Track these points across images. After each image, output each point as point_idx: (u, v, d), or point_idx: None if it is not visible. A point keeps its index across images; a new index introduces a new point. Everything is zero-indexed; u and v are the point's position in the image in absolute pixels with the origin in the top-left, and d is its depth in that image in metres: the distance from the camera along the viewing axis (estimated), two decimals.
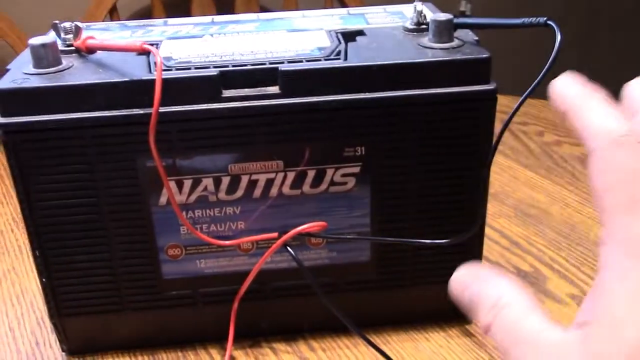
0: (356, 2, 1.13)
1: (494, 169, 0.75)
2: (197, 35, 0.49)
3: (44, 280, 0.47)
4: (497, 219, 0.66)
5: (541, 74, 0.41)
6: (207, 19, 0.54)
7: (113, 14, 1.04)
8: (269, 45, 0.46)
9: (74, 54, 0.46)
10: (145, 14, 1.20)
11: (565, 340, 0.24)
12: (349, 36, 0.48)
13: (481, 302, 0.27)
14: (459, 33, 0.47)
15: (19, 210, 0.45)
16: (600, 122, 0.26)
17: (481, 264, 0.27)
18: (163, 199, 0.45)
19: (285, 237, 0.45)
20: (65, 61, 0.45)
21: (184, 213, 0.46)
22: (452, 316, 0.52)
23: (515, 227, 0.65)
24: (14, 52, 1.01)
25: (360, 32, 0.49)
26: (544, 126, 0.86)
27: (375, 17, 0.52)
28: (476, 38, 0.47)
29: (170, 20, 0.54)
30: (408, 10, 0.53)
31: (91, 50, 0.45)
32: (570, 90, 0.28)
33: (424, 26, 0.48)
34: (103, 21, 1.03)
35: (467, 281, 0.28)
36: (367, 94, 0.43)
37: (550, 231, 0.64)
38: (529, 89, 0.40)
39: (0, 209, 0.72)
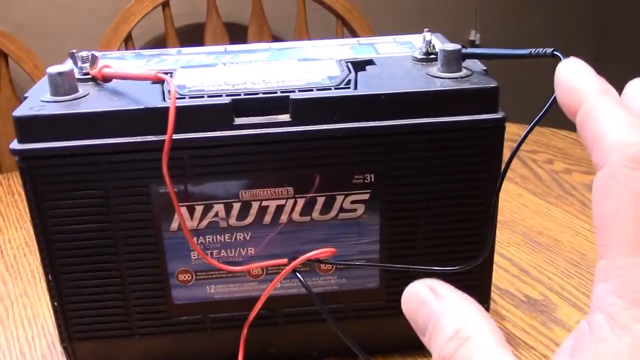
0: (366, 32, 1.15)
1: (503, 196, 0.75)
2: (210, 64, 0.51)
3: (55, 304, 0.47)
4: (507, 246, 0.66)
5: (547, 104, 0.41)
6: (220, 48, 0.55)
7: (128, 43, 1.07)
8: (281, 74, 0.47)
9: (90, 82, 0.47)
10: (160, 42, 1.22)
11: None
12: (359, 65, 0.49)
13: (439, 329, 0.22)
14: (467, 63, 0.48)
15: (32, 234, 0.46)
16: (618, 132, 0.21)
17: (439, 283, 0.22)
18: (174, 225, 0.46)
19: (294, 263, 0.45)
20: (82, 89, 0.46)
21: (195, 239, 0.46)
22: None
23: (525, 255, 0.65)
24: (30, 80, 1.03)
25: (370, 62, 0.50)
26: (553, 154, 0.86)
27: (385, 47, 0.53)
28: (484, 68, 0.47)
29: (184, 50, 0.55)
30: (417, 40, 0.54)
31: (107, 78, 0.47)
32: (585, 81, 0.23)
33: (432, 56, 0.49)
34: (118, 49, 1.05)
35: (424, 299, 0.24)
36: (376, 122, 0.44)
37: (560, 259, 0.64)
38: (536, 118, 0.41)
39: (14, 233, 0.73)
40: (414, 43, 0.54)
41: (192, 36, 1.21)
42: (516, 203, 0.75)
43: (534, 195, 0.77)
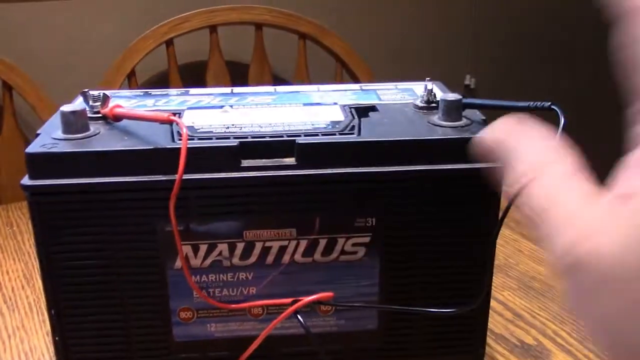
0: (365, 75, 1.17)
1: (499, 241, 0.76)
2: (217, 105, 0.52)
3: (56, 339, 0.48)
4: (501, 291, 0.67)
5: None
6: (227, 89, 0.57)
7: (131, 78, 1.08)
8: (286, 118, 0.49)
9: (100, 121, 0.48)
10: (162, 78, 1.24)
11: (608, 212, 0.21)
12: (362, 111, 0.50)
13: (521, 158, 0.24)
14: (467, 112, 0.49)
15: (30, 267, 0.46)
16: None
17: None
18: (179, 263, 0.47)
19: (297, 305, 0.46)
20: (93, 127, 0.47)
21: (197, 277, 0.47)
22: None
23: (519, 300, 0.66)
24: (32, 112, 1.04)
25: (373, 108, 0.51)
26: None
27: (387, 94, 0.55)
28: (483, 117, 0.49)
29: (192, 90, 0.57)
30: (418, 88, 0.56)
31: (118, 118, 0.48)
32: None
33: (433, 104, 0.50)
34: (121, 84, 1.07)
35: (507, 131, 0.25)
36: (379, 167, 0.45)
37: (553, 305, 0.65)
38: None
39: (12, 266, 0.73)
40: (415, 90, 0.55)
41: (194, 73, 1.24)
42: (511, 247, 0.76)
43: (528, 240, 0.78)
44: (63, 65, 1.22)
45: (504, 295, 0.66)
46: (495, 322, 0.62)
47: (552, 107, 0.43)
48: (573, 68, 1.75)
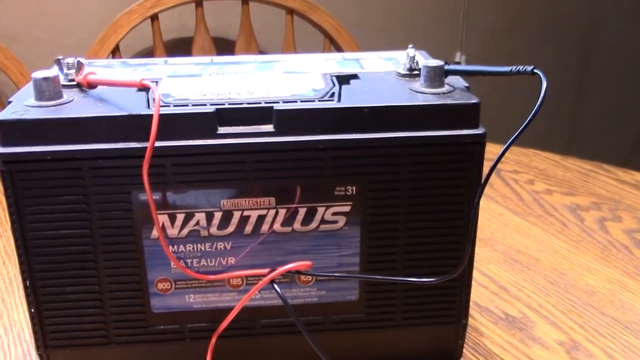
0: (352, 49, 1.16)
1: (484, 215, 0.76)
2: (196, 74, 0.51)
3: (32, 310, 0.47)
4: (487, 264, 0.67)
5: (527, 120, 0.42)
6: (207, 59, 0.56)
7: (115, 54, 1.07)
8: (265, 86, 0.48)
9: (75, 89, 0.47)
10: (147, 54, 1.23)
11: None
12: (343, 79, 0.49)
13: None
14: (450, 79, 0.48)
15: (11, 242, 0.45)
16: None
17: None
18: (155, 233, 0.46)
19: (272, 274, 0.45)
20: (67, 95, 0.46)
21: (175, 247, 0.46)
22: (440, 358, 0.52)
23: (504, 273, 0.65)
24: (16, 89, 1.02)
25: (355, 76, 0.50)
26: (534, 175, 0.87)
27: (370, 63, 0.54)
28: (466, 84, 0.48)
29: (171, 60, 0.56)
30: (401, 56, 0.55)
31: (92, 85, 0.47)
32: None
33: (416, 72, 0.50)
34: None
35: None
36: (359, 134, 0.44)
37: (538, 277, 0.64)
38: (516, 133, 0.42)
39: None
40: (399, 59, 0.54)
41: (179, 49, 1.22)
42: (497, 222, 0.76)
43: (514, 215, 0.77)
44: (46, 41, 1.20)
45: (489, 269, 0.66)
46: (480, 295, 0.62)
47: (535, 71, 0.42)
48: (564, 47, 1.74)
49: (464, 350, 0.53)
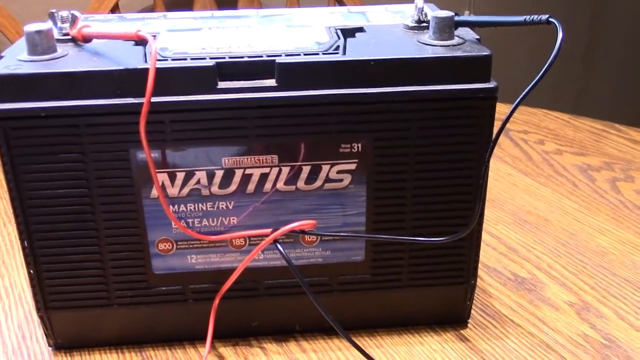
0: (357, 4, 1.13)
1: (493, 175, 0.74)
2: (196, 28, 0.49)
3: (31, 272, 0.46)
4: (495, 225, 0.66)
5: (540, 72, 0.40)
6: (207, 13, 0.54)
7: (115, 13, 1.04)
8: (267, 39, 0.46)
9: (69, 43, 0.45)
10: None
11: None
12: (349, 32, 0.47)
13: None
14: (460, 31, 0.46)
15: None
16: None
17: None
18: (155, 192, 0.44)
19: (275, 234, 0.44)
20: (61, 49, 0.44)
21: (175, 207, 0.45)
22: (448, 320, 0.51)
23: (513, 234, 0.64)
24: None
25: (360, 29, 0.48)
26: (544, 135, 0.85)
27: (376, 16, 0.52)
28: (477, 37, 0.46)
29: (170, 14, 0.54)
30: (409, 9, 0.53)
31: (87, 39, 0.45)
32: None
33: (424, 24, 0.47)
34: None
35: None
36: (365, 89, 0.43)
37: (548, 238, 0.63)
38: (529, 86, 0.40)
39: None
40: (406, 12, 0.52)
41: (180, 8, 1.19)
42: (506, 182, 0.74)
43: (524, 175, 0.76)
44: (43, 0, 1.18)
45: (498, 229, 0.65)
46: (488, 256, 0.60)
47: (551, 20, 0.40)
48: (577, 8, 1.70)
49: (472, 311, 0.52)
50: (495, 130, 0.43)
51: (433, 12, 0.46)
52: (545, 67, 0.40)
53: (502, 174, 0.76)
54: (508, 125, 0.64)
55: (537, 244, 0.62)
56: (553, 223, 0.66)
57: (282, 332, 0.50)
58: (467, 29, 0.47)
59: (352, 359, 0.48)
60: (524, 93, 0.40)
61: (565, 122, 0.89)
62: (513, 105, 0.40)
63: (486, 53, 0.43)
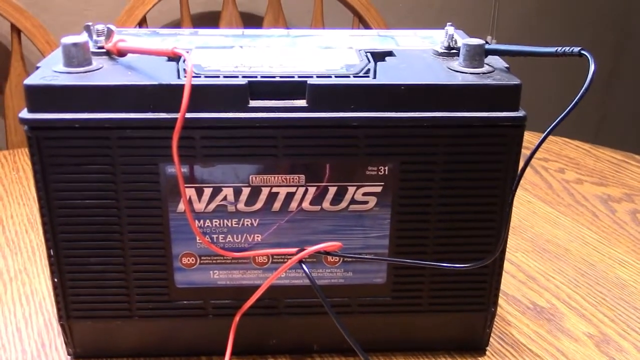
0: (380, 27, 1.13)
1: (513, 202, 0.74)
2: (227, 46, 0.50)
3: (55, 280, 0.47)
4: (515, 252, 0.65)
5: (573, 102, 0.40)
6: (238, 31, 0.54)
7: (142, 26, 1.06)
8: (299, 60, 0.46)
9: (104, 56, 0.46)
10: (175, 27, 1.21)
11: None
12: (379, 56, 0.48)
13: None
14: (489, 59, 0.46)
15: (35, 211, 0.45)
16: None
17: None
18: (182, 206, 0.45)
19: (302, 254, 0.44)
20: (96, 62, 0.45)
21: (201, 222, 0.45)
22: (466, 347, 0.51)
23: (532, 262, 0.64)
24: (42, 57, 1.02)
25: (390, 53, 0.49)
26: (564, 164, 0.85)
27: (405, 40, 0.52)
28: (506, 65, 0.46)
29: (201, 31, 0.54)
30: (439, 35, 0.53)
31: (122, 53, 0.46)
32: None
33: (454, 51, 0.48)
34: None
35: None
36: (394, 113, 0.43)
37: (568, 268, 0.63)
38: (560, 116, 0.40)
39: (17, 209, 0.72)
40: (435, 38, 0.53)
41: (207, 23, 1.20)
42: (525, 209, 0.74)
43: (544, 203, 0.75)
44: (73, 11, 1.19)
45: (517, 257, 0.65)
46: (507, 284, 0.60)
47: (582, 52, 0.40)
48: (599, 35, 1.70)
49: (490, 339, 0.52)
50: (521, 158, 0.43)
51: (463, 40, 0.46)
52: (576, 99, 0.40)
53: (522, 201, 0.75)
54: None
55: (557, 273, 0.62)
56: (573, 253, 0.65)
57: (300, 352, 0.50)
58: (497, 57, 0.47)
59: None
60: (553, 125, 0.40)
61: (586, 151, 0.89)
62: (542, 136, 0.40)
63: (516, 82, 0.43)
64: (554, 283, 0.61)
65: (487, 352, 0.51)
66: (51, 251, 0.46)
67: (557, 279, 0.61)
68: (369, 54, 0.48)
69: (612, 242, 0.67)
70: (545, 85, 1.59)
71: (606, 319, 0.56)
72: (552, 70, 1.57)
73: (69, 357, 0.50)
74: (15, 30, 1.00)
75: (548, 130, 0.40)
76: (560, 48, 0.42)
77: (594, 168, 0.84)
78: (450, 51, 0.48)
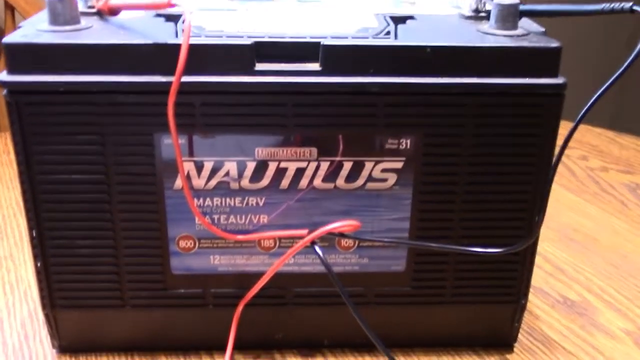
0: None
1: None
2: (232, 8, 0.45)
3: (38, 265, 0.42)
4: (540, 242, 0.60)
5: (617, 72, 0.36)
6: None
7: None
8: (312, 21, 0.42)
9: (95, 17, 0.42)
10: None
11: None
12: (399, 20, 0.43)
13: None
14: (522, 23, 0.42)
15: None
16: None
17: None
18: (179, 183, 0.40)
19: (314, 234, 0.39)
20: (85, 21, 0.40)
21: (200, 200, 0.41)
22: (492, 342, 0.46)
23: (559, 252, 0.59)
24: None
25: (411, 17, 0.44)
26: (587, 151, 0.80)
27: (428, 5, 0.47)
28: (542, 29, 0.41)
29: None
30: (463, 1, 0.48)
31: (114, 11, 0.41)
32: None
33: (483, 14, 0.43)
34: None
35: None
36: (418, 78, 0.38)
37: (598, 259, 0.58)
38: (602, 88, 0.35)
39: (5, 193, 0.68)
40: (460, 3, 0.48)
41: None
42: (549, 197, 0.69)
43: (567, 191, 0.71)
44: None
45: (543, 247, 0.60)
46: (534, 275, 0.55)
47: (634, 8, 0.35)
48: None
49: (519, 334, 0.47)
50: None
51: (495, 0, 0.41)
52: (624, 67, 0.35)
53: None
54: None
55: (586, 265, 0.57)
56: (602, 243, 0.61)
57: (308, 347, 0.46)
58: (530, 21, 0.43)
59: None
60: (601, 90, 0.36)
61: (610, 138, 0.84)
62: (590, 101, 0.35)
63: (555, 45, 0.39)
64: (584, 275, 0.56)
65: (515, 349, 0.47)
66: (33, 232, 0.41)
67: (588, 271, 0.56)
68: (388, 17, 0.43)
69: None
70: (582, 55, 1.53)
71: None
72: (588, 35, 1.48)
73: (54, 350, 0.45)
74: (9, 7, 0.96)
75: (596, 95, 0.35)
76: (607, 5, 0.37)
77: (619, 156, 0.79)
78: (479, 14, 0.43)
